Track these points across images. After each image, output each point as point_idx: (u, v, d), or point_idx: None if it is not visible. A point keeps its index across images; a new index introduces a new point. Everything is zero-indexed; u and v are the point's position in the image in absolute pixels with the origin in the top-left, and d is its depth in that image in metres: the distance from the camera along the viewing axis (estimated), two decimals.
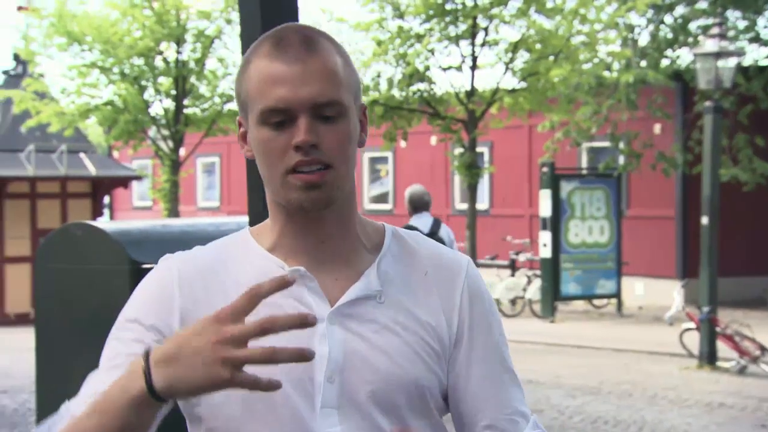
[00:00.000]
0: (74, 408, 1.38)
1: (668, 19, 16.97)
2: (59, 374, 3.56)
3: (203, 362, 1.24)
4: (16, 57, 18.02)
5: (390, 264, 1.49)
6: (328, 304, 1.44)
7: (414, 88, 12.76)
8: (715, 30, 11.66)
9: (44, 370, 3.69)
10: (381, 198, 21.90)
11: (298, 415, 1.40)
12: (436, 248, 1.54)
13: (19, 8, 17.21)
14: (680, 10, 16.88)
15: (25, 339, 11.55)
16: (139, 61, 15.75)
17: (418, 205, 7.39)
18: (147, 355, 1.28)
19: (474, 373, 1.49)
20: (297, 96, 1.40)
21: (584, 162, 18.38)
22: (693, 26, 16.74)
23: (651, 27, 16.96)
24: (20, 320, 16.46)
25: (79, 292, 3.56)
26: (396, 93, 12.79)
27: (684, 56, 16.76)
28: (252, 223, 2.60)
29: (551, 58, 12.77)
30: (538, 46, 12.82)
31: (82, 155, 17.92)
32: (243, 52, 2.59)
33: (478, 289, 1.52)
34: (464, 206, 14.15)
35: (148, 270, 3.54)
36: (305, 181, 1.41)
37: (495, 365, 1.51)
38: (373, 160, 21.82)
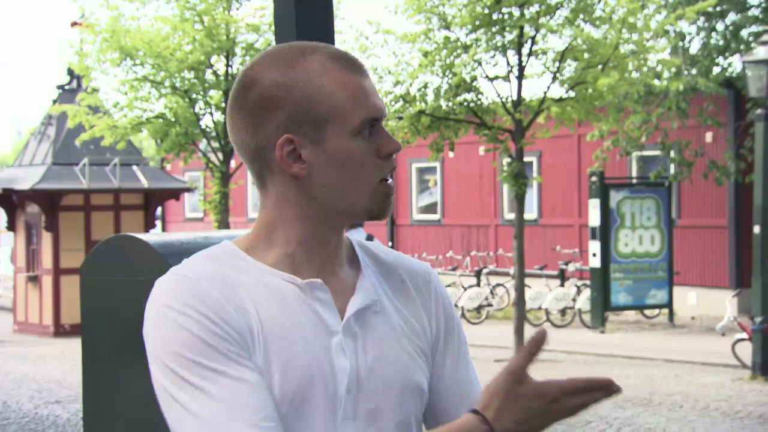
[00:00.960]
0: None
1: (719, 26, 16.77)
2: (104, 386, 3.63)
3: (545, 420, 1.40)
4: (70, 72, 18.35)
5: (371, 274, 1.54)
6: (339, 317, 1.47)
7: (461, 98, 12.74)
8: (766, 37, 11.51)
9: (90, 382, 3.75)
10: (429, 208, 21.90)
11: (325, 427, 1.43)
12: (400, 256, 1.61)
13: (73, 24, 17.52)
14: (732, 17, 16.67)
15: (79, 350, 11.75)
16: (190, 75, 15.94)
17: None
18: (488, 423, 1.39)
19: (448, 374, 1.57)
20: (381, 106, 1.48)
21: (634, 171, 18.21)
22: (745, 33, 16.52)
23: (702, 35, 16.76)
24: (75, 331, 16.71)
25: (123, 304, 3.62)
26: (443, 103, 12.77)
27: (736, 63, 16.54)
28: None
29: (599, 67, 12.68)
30: (585, 55, 12.73)
31: (134, 168, 18.18)
32: None
33: (445, 294, 1.61)
34: (513, 216, 14.11)
35: None
36: (389, 190, 1.49)
37: (465, 366, 1.59)
38: (421, 171, 21.83)
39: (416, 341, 1.52)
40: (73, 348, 13.95)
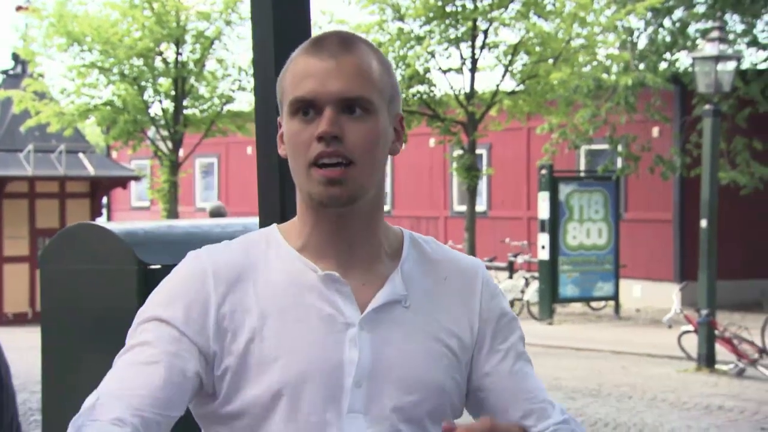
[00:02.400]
0: (104, 399, 1.37)
1: (667, 22, 17.00)
2: (66, 376, 3.57)
3: None
4: (15, 57, 18.02)
5: (411, 269, 1.51)
6: (359, 310, 1.46)
7: (414, 90, 12.80)
8: (714, 34, 11.68)
9: (50, 372, 3.69)
10: None
11: (324, 419, 1.42)
12: (450, 253, 1.58)
13: (19, 8, 17.20)
14: (679, 13, 16.91)
15: (23, 339, 11.53)
16: (139, 62, 15.77)
17: (216, 217, 8.07)
18: None
19: (501, 372, 1.53)
20: (325, 89, 1.42)
21: (582, 164, 18.40)
22: (692, 30, 16.76)
23: (650, 30, 16.98)
24: (18, 320, 16.45)
25: (86, 293, 3.57)
26: None
27: (682, 59, 16.79)
28: (261, 224, 2.62)
29: (550, 60, 12.81)
30: (537, 48, 12.86)
31: (81, 155, 17.92)
32: (254, 62, 2.63)
33: (495, 291, 1.57)
34: (463, 208, 14.19)
35: (156, 271, 3.49)
36: (326, 176, 1.42)
37: (518, 361, 1.55)
38: None
39: (446, 340, 1.49)
40: (17, 337, 13.70)
